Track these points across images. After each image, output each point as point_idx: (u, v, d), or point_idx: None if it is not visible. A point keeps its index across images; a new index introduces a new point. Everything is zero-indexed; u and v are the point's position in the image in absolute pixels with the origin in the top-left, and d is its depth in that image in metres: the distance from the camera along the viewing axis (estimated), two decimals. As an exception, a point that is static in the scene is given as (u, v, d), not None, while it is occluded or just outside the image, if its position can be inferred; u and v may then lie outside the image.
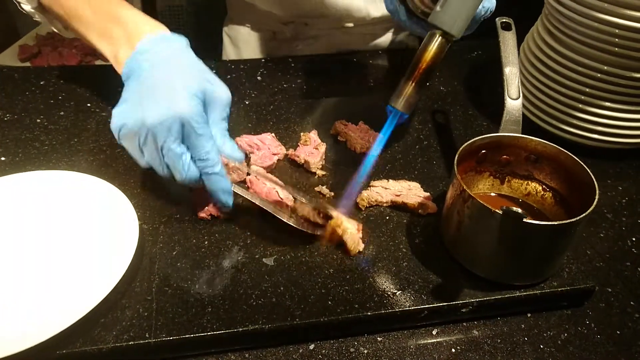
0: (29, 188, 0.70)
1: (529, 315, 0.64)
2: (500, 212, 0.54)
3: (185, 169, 0.61)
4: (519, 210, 0.52)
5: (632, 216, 0.77)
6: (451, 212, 0.63)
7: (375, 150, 0.70)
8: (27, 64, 1.54)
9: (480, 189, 0.72)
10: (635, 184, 0.83)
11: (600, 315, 0.64)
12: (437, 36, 0.62)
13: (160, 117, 0.58)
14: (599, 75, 0.80)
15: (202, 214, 0.69)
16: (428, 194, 0.73)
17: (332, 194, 0.74)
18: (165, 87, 0.60)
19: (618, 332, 0.62)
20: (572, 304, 0.65)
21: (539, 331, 0.62)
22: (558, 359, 0.59)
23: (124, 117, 0.61)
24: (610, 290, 0.67)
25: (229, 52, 1.26)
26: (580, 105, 0.83)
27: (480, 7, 0.64)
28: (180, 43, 0.66)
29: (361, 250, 0.66)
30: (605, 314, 0.64)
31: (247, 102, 0.94)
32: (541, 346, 0.60)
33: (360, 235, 0.66)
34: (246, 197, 0.68)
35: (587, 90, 0.82)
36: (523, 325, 0.63)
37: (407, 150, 0.83)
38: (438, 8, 0.61)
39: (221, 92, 0.64)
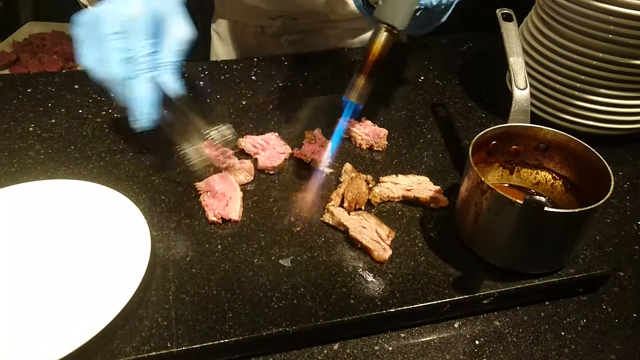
0: (31, 199, 0.67)
1: (547, 303, 0.64)
2: (522, 202, 0.54)
3: (116, 61, 0.62)
4: (542, 199, 0.52)
5: (635, 200, 0.79)
6: (468, 204, 0.62)
7: (337, 136, 0.75)
8: (6, 71, 1.49)
9: (490, 180, 0.72)
10: (635, 169, 0.85)
11: (616, 300, 0.65)
12: (382, 30, 0.65)
13: (108, 11, 0.63)
14: (594, 62, 0.81)
15: (212, 218, 0.68)
16: (438, 187, 0.73)
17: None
18: None
19: (634, 315, 0.63)
20: (588, 289, 0.66)
21: (558, 318, 0.62)
22: (580, 345, 0.60)
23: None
24: (622, 274, 0.68)
25: (218, 49, 1.25)
26: (576, 93, 0.84)
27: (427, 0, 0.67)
28: (184, 2, 0.71)
29: (387, 258, 0.64)
30: (620, 297, 0.65)
31: (244, 103, 0.92)
32: (562, 333, 0.61)
33: (389, 242, 0.65)
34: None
35: (583, 77, 0.83)
36: (543, 314, 0.63)
37: (412, 144, 0.83)
38: (380, 2, 0.64)
39: (180, 27, 0.67)
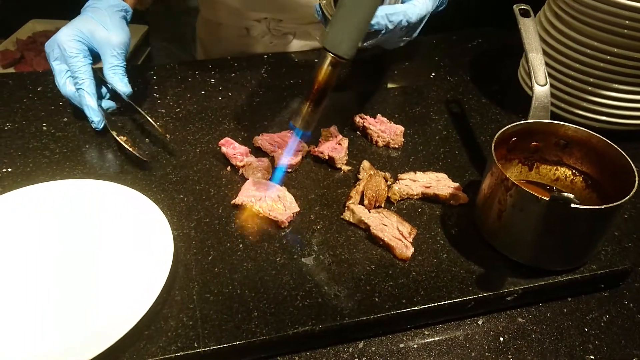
0: (50, 200, 0.67)
1: (569, 299, 0.64)
2: (548, 199, 0.54)
3: (62, 82, 0.79)
4: (570, 196, 0.52)
5: (651, 196, 0.79)
6: (491, 201, 0.62)
7: (284, 162, 0.75)
8: (11, 69, 1.47)
9: (509, 177, 0.72)
10: (650, 165, 0.85)
11: (637, 295, 0.65)
12: (328, 57, 0.62)
13: (48, 44, 0.79)
14: (608, 57, 0.81)
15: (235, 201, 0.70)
16: (457, 184, 0.73)
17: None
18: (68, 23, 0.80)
19: (657, 310, 0.63)
20: (609, 285, 0.66)
21: (581, 314, 0.63)
22: (604, 341, 0.60)
23: None
24: (642, 269, 0.68)
25: (201, 51, 1.24)
26: (589, 88, 0.84)
27: (384, 22, 0.65)
28: (122, 9, 0.84)
29: (410, 255, 0.64)
30: (642, 293, 0.65)
31: (257, 100, 0.92)
32: (585, 329, 0.61)
33: (411, 240, 0.65)
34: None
35: (597, 72, 0.83)
36: (565, 310, 0.63)
37: (428, 141, 0.83)
38: (327, 29, 0.61)
39: (112, 36, 0.79)
